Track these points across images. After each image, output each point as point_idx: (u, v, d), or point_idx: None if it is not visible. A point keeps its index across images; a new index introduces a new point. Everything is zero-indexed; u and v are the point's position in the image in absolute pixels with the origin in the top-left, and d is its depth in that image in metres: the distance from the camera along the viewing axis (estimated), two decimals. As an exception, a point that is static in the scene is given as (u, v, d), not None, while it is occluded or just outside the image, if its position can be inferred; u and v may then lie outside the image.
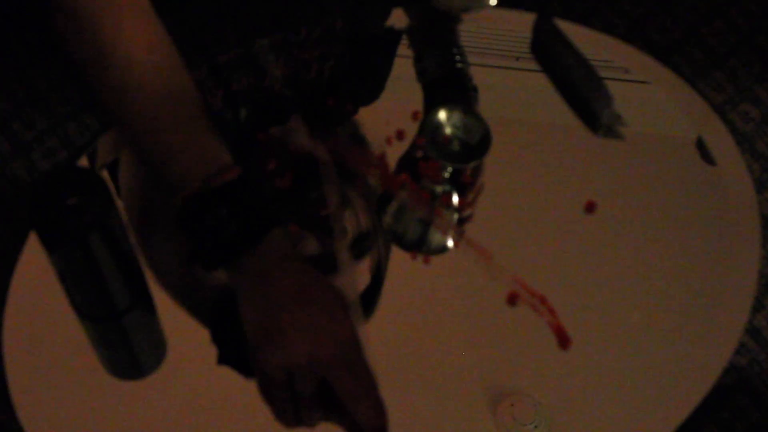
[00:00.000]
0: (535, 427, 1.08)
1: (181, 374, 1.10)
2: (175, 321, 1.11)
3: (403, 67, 1.31)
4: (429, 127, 1.17)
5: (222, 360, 1.08)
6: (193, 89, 0.92)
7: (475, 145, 1.16)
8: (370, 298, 1.15)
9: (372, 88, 1.28)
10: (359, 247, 1.16)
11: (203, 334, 1.12)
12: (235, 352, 1.08)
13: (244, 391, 1.10)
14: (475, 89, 1.28)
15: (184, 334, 1.12)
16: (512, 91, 1.36)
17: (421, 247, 1.19)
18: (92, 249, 0.93)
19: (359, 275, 1.16)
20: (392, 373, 1.10)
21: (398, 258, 1.18)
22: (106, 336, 1.08)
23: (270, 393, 0.90)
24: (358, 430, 0.90)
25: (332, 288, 0.91)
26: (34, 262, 1.13)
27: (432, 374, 1.12)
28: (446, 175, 1.17)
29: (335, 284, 0.92)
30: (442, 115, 1.17)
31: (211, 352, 1.10)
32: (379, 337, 1.11)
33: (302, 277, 0.89)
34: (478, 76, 1.30)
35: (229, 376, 1.10)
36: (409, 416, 1.08)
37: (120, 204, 1.00)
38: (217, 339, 1.09)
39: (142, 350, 1.11)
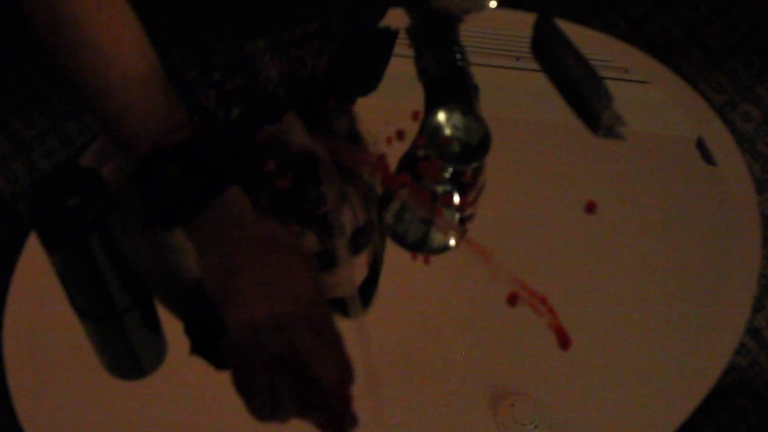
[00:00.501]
0: (535, 426, 1.08)
1: (182, 374, 1.10)
2: (176, 321, 1.11)
3: (404, 66, 1.31)
4: (429, 128, 1.17)
5: (194, 350, 1.08)
6: (146, 46, 0.92)
7: (475, 145, 1.16)
8: (368, 291, 1.15)
9: (368, 79, 1.28)
10: (357, 243, 1.16)
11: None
12: (207, 343, 1.08)
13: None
14: (476, 87, 1.28)
15: (184, 334, 1.12)
16: (512, 91, 1.36)
17: (422, 246, 1.19)
18: (92, 249, 0.93)
19: (358, 269, 1.16)
20: (393, 373, 1.10)
21: (399, 258, 1.18)
22: (107, 336, 1.08)
23: (244, 382, 0.89)
24: (332, 428, 0.89)
25: (292, 244, 0.90)
26: (34, 261, 1.13)
27: (432, 374, 1.12)
28: (447, 175, 1.17)
29: (294, 240, 0.91)
30: (441, 116, 1.17)
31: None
32: (380, 337, 1.11)
33: (261, 233, 0.89)
34: (478, 75, 1.30)
35: (229, 379, 1.10)
36: (409, 415, 1.08)
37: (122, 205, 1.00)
38: (189, 330, 1.09)
39: (142, 350, 1.11)
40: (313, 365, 0.87)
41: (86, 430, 1.08)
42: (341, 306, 1.12)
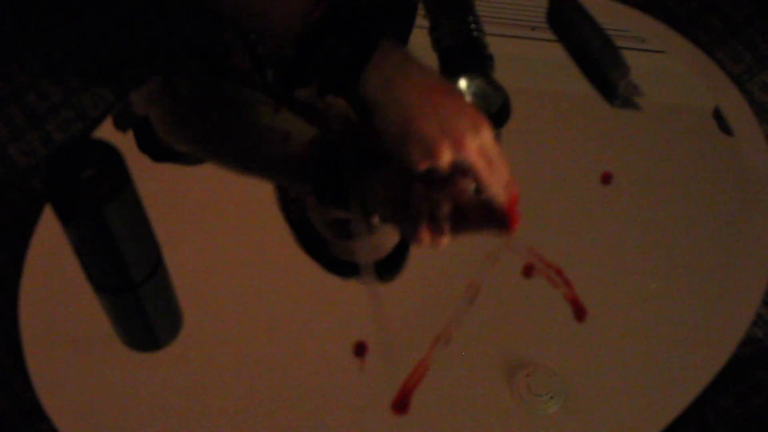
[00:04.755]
0: (551, 397, 1.08)
1: (197, 346, 1.10)
2: (191, 293, 1.11)
3: (418, 36, 1.30)
4: None
5: (320, 197, 1.13)
6: None
7: (494, 113, 1.15)
8: (399, 258, 1.16)
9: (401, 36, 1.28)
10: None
11: (219, 306, 1.13)
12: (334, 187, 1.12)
13: (259, 362, 1.11)
14: (491, 58, 1.27)
15: (200, 305, 1.12)
16: (527, 62, 1.35)
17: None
18: (107, 221, 0.93)
19: (389, 237, 1.16)
20: (408, 344, 1.10)
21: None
22: (122, 308, 1.08)
23: (404, 212, 0.97)
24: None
25: (453, 87, 0.98)
26: (49, 234, 1.13)
27: (448, 345, 1.12)
28: None
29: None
30: (462, 83, 1.16)
31: (227, 325, 1.11)
32: (395, 307, 1.11)
33: (427, 78, 0.95)
34: (493, 46, 1.29)
35: (244, 348, 1.10)
36: (425, 387, 1.08)
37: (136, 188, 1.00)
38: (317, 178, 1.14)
39: (158, 322, 1.11)
40: (485, 187, 0.95)
41: (103, 402, 1.09)
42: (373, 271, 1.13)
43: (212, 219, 1.20)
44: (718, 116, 1.30)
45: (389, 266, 1.15)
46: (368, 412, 1.08)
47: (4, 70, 2.03)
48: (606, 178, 1.22)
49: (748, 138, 1.29)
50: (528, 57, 1.35)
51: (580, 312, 1.13)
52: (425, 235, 0.97)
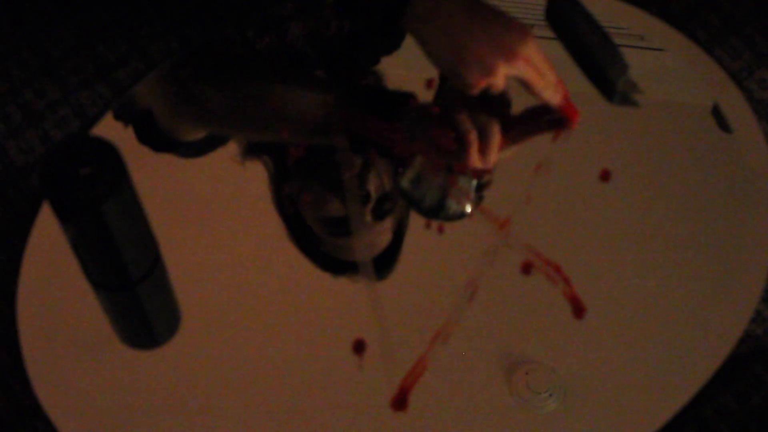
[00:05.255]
0: (550, 395, 1.08)
1: (195, 343, 1.10)
2: (189, 290, 1.11)
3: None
4: (449, 90, 1.15)
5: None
6: None
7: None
8: (390, 257, 1.17)
9: (392, 38, 1.28)
10: (381, 209, 1.17)
11: (217, 303, 1.12)
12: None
13: (258, 359, 1.11)
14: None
15: (198, 303, 1.12)
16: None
17: (438, 213, 1.18)
18: (105, 219, 0.93)
19: (381, 236, 1.16)
20: (407, 341, 1.10)
21: (414, 225, 1.18)
22: (120, 305, 1.08)
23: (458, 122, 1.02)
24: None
25: (493, 5, 1.01)
26: (47, 232, 1.13)
27: (447, 343, 1.12)
28: None
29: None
30: None
31: (224, 323, 1.11)
32: (395, 304, 1.11)
33: (467, 2, 0.99)
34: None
35: (243, 346, 1.10)
36: (424, 384, 1.08)
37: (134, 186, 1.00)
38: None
39: (155, 320, 1.11)
40: (537, 92, 1.02)
41: (100, 399, 1.09)
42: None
43: (211, 216, 1.20)
44: (716, 113, 1.30)
45: (384, 263, 1.15)
46: (367, 409, 1.08)
47: (1, 68, 2.03)
48: (605, 176, 1.22)
49: (747, 135, 1.29)
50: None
51: (578, 309, 1.13)
52: (476, 158, 1.03)
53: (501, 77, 0.97)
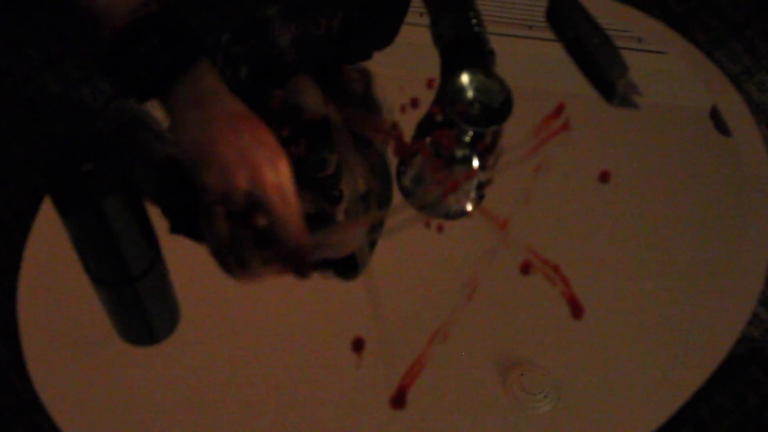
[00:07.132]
0: (545, 396, 1.08)
1: (195, 341, 1.10)
2: (189, 287, 1.12)
3: (418, 33, 1.30)
4: (451, 90, 1.15)
5: (174, 230, 1.11)
6: None
7: (496, 108, 1.15)
8: (354, 260, 1.16)
9: (386, 31, 1.28)
10: (354, 210, 1.16)
11: (216, 301, 1.13)
12: (185, 221, 1.11)
13: (257, 357, 1.11)
14: (492, 53, 1.27)
15: (197, 300, 1.12)
16: (526, 60, 1.35)
17: (438, 211, 1.18)
18: (106, 215, 0.93)
19: (351, 237, 1.16)
20: (406, 341, 1.10)
21: (413, 225, 1.18)
22: (120, 302, 1.08)
23: (215, 241, 0.95)
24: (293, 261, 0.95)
25: (260, 121, 0.95)
26: (48, 227, 1.14)
27: (445, 342, 1.12)
28: (467, 139, 1.16)
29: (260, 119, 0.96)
30: (464, 78, 1.16)
31: (224, 320, 1.11)
32: (392, 303, 1.11)
33: (235, 105, 0.93)
34: (492, 45, 1.29)
35: (242, 344, 1.10)
36: (419, 384, 1.08)
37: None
38: (166, 211, 1.12)
39: (155, 316, 1.11)
40: (277, 229, 0.93)
41: (100, 396, 1.09)
42: (335, 267, 1.13)
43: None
44: (715, 116, 1.30)
45: (349, 266, 1.15)
46: (366, 407, 1.09)
47: (4, 63, 2.03)
48: (604, 177, 1.23)
49: (746, 138, 1.29)
50: (527, 56, 1.36)
51: (577, 310, 1.13)
52: (236, 270, 0.97)
53: (240, 194, 0.91)
